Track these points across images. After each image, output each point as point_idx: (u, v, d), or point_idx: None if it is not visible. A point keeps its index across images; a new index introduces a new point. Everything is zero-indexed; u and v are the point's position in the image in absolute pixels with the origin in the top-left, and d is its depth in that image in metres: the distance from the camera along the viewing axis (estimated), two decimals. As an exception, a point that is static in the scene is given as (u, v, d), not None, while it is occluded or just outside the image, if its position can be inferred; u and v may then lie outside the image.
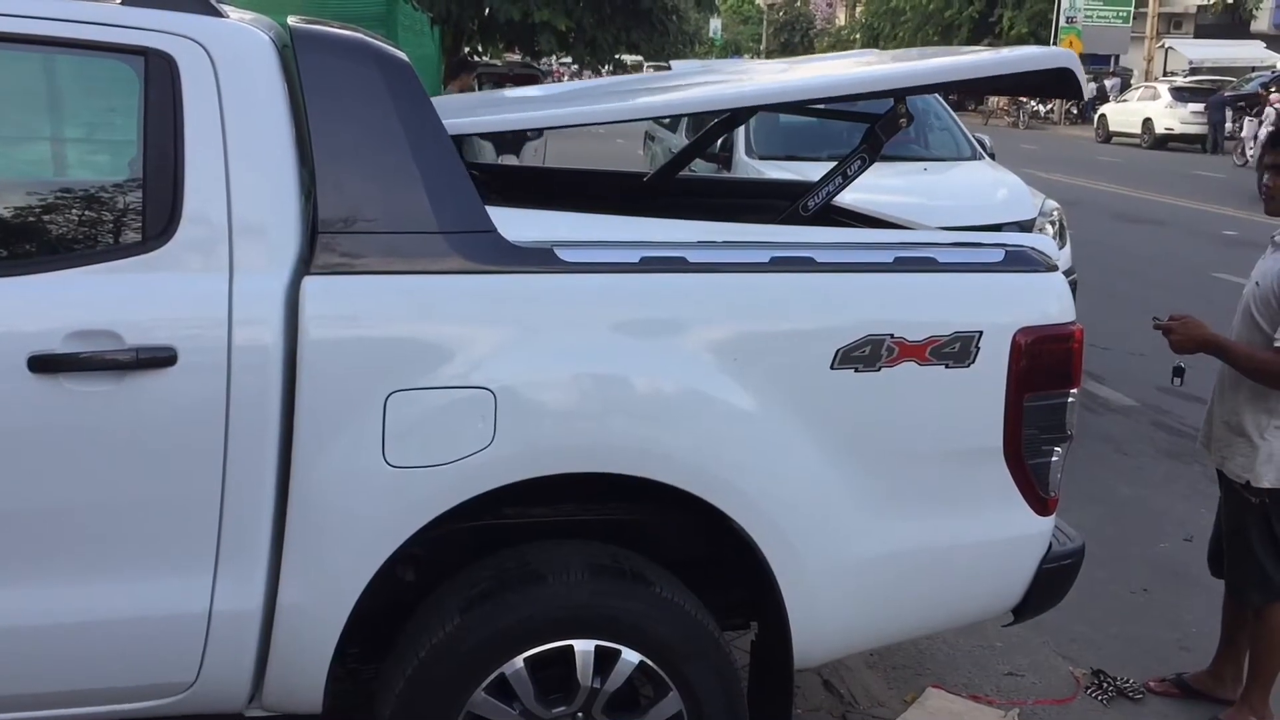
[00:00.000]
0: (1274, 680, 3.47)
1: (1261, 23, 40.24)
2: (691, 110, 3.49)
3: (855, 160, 3.01)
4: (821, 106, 4.83)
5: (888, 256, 2.63)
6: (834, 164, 3.17)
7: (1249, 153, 21.85)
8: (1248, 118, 24.35)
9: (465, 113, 3.03)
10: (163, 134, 2.27)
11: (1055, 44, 33.62)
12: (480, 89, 12.99)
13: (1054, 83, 3.02)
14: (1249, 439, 3.34)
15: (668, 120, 10.95)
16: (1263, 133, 21.25)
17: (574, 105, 3.41)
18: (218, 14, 2.37)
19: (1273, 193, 3.34)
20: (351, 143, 2.36)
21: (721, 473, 2.48)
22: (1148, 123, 28.52)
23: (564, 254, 2.41)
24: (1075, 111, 37.20)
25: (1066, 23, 35.12)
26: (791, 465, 2.52)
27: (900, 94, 3.05)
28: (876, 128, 3.03)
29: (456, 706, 2.41)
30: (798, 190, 3.40)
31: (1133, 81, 36.71)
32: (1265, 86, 26.20)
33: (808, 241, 2.62)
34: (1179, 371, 3.52)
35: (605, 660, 2.46)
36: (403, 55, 2.53)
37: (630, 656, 2.46)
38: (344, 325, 2.31)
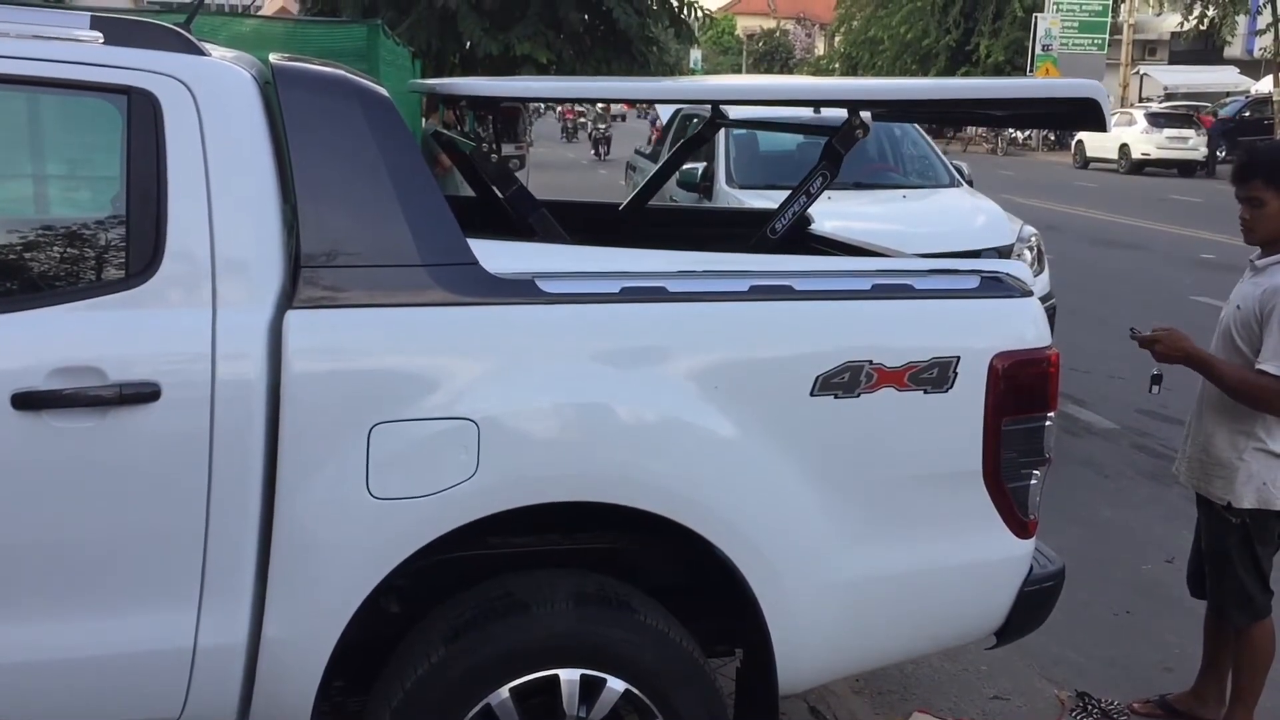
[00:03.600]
0: (1257, 700, 3.49)
1: (1234, 49, 40.81)
2: (707, 98, 3.83)
3: (817, 177, 3.04)
4: (791, 121, 4.89)
5: (865, 284, 2.66)
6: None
7: None
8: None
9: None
10: (146, 171, 2.29)
11: (1031, 72, 33.99)
12: (464, 120, 13.04)
13: (1079, 115, 3.02)
14: (1228, 461, 3.37)
15: (649, 150, 11.02)
16: None
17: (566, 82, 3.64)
18: (200, 52, 2.39)
19: (1248, 224, 3.38)
20: (333, 177, 2.39)
21: (704, 500, 2.50)
22: (1124, 148, 28.81)
23: (545, 285, 2.44)
24: (1053, 138, 37.57)
25: (1043, 50, 35.47)
26: (773, 492, 2.53)
27: (932, 106, 3.15)
28: (834, 141, 3.06)
29: (443, 738, 2.41)
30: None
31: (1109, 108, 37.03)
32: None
33: (786, 270, 2.65)
34: (1157, 379, 3.54)
35: (591, 689, 2.46)
36: (383, 90, 2.56)
37: (616, 685, 2.47)
38: (327, 358, 2.32)
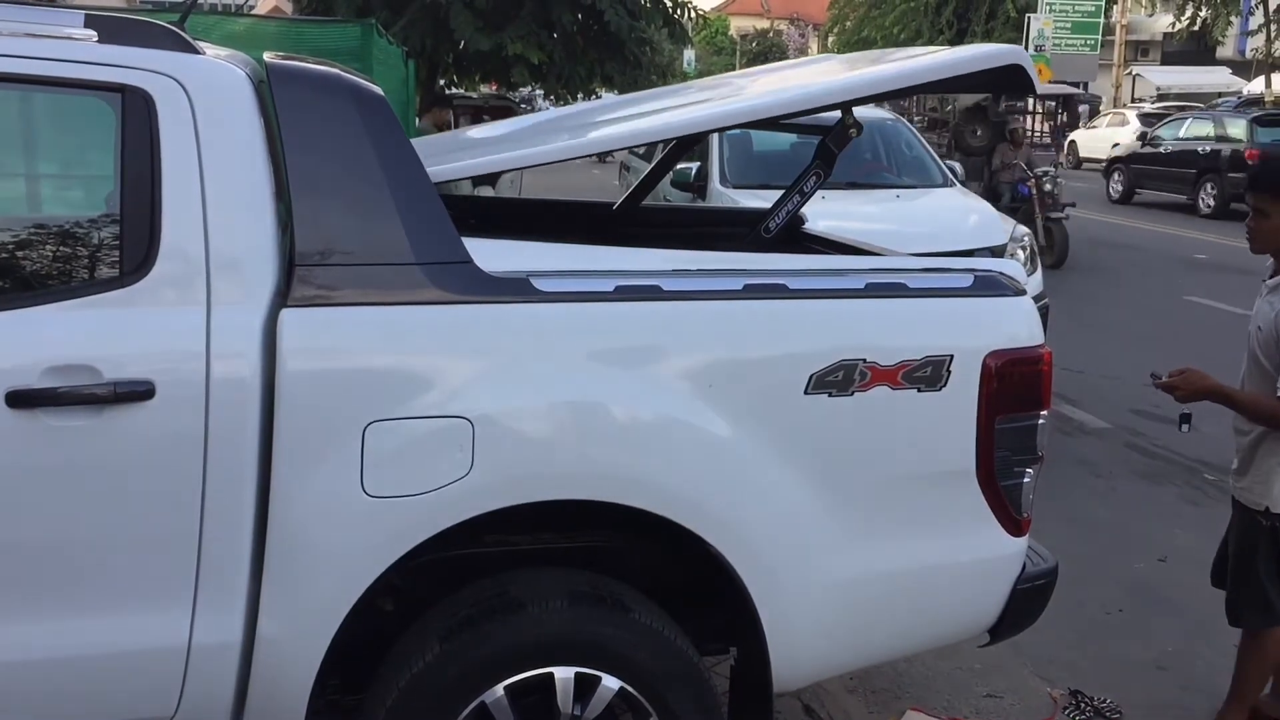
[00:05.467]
0: (1252, 701, 3.50)
1: (1227, 49, 40.88)
2: (639, 141, 3.30)
3: (810, 176, 3.04)
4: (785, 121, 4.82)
5: (859, 282, 2.67)
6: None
7: None
8: None
9: (447, 157, 3.00)
10: (140, 170, 2.29)
11: (1025, 72, 34.00)
12: (456, 121, 13.03)
13: (1007, 79, 3.03)
14: (1266, 466, 3.36)
15: (642, 150, 11.01)
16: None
17: (533, 145, 3.25)
18: (194, 51, 2.39)
19: (1254, 233, 3.37)
20: (327, 176, 2.39)
21: (698, 498, 2.50)
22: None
23: (540, 284, 2.44)
24: (1046, 140, 37.60)
25: (1035, 50, 35.36)
26: (767, 490, 2.54)
27: (856, 103, 3.06)
28: (827, 140, 3.06)
29: (438, 736, 2.41)
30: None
31: (1101, 108, 37.14)
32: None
33: (780, 269, 2.66)
34: (1186, 419, 3.52)
35: (585, 687, 2.46)
36: (377, 89, 2.56)
37: (610, 683, 2.47)
38: (321, 357, 2.32)
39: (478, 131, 3.76)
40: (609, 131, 3.13)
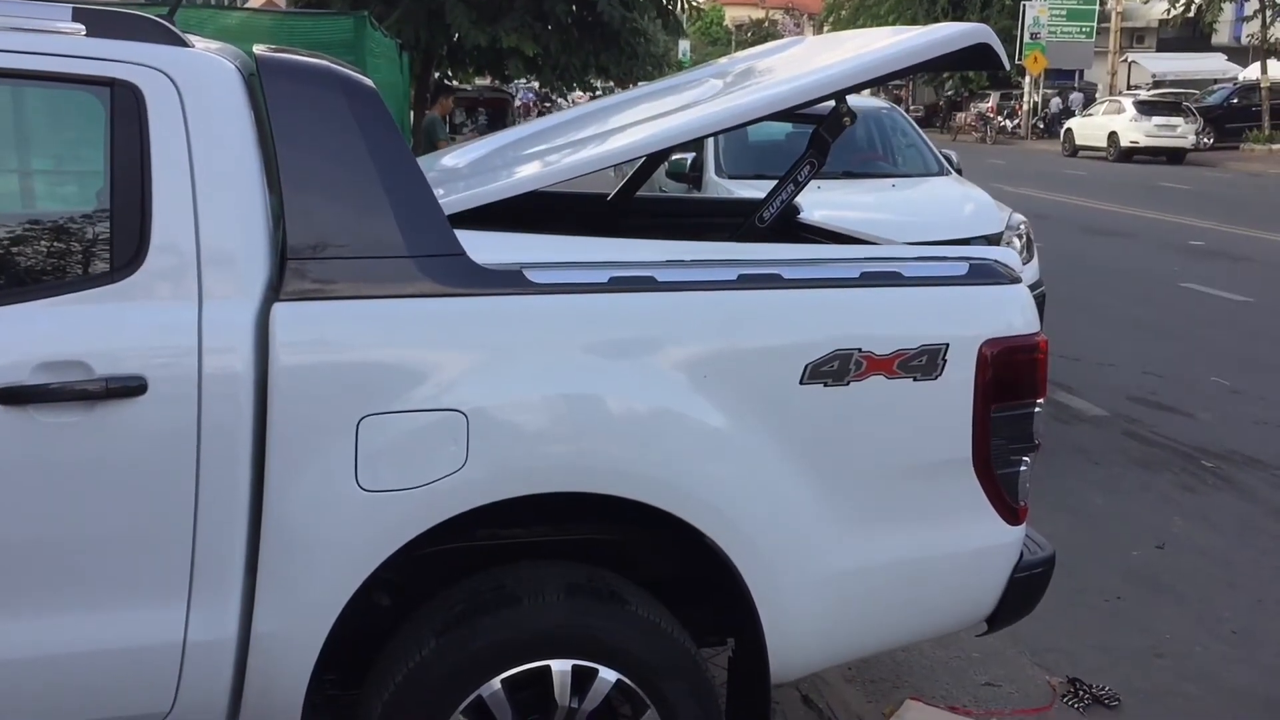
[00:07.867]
0: None
1: (1222, 35, 40.82)
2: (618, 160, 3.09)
3: (805, 165, 3.03)
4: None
5: (854, 271, 2.66)
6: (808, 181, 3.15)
7: None
8: None
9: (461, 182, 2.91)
10: (130, 164, 2.28)
11: (1020, 60, 34.06)
12: (452, 112, 13.00)
13: (976, 58, 3.01)
14: None
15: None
16: None
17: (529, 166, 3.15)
18: (183, 44, 2.38)
19: None
20: (319, 169, 2.37)
21: (695, 490, 2.49)
22: (1113, 136, 28.90)
23: (533, 275, 2.43)
24: (1042, 126, 37.66)
25: (1031, 39, 35.55)
26: (764, 481, 2.53)
27: (831, 98, 3.00)
28: (821, 130, 3.06)
29: (434, 730, 2.41)
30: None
31: (1097, 96, 37.15)
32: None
33: (775, 258, 2.65)
34: None
35: (583, 680, 2.46)
36: (368, 81, 2.55)
37: (608, 675, 2.47)
38: (314, 351, 2.31)
39: (473, 152, 3.65)
40: (598, 150, 2.96)
